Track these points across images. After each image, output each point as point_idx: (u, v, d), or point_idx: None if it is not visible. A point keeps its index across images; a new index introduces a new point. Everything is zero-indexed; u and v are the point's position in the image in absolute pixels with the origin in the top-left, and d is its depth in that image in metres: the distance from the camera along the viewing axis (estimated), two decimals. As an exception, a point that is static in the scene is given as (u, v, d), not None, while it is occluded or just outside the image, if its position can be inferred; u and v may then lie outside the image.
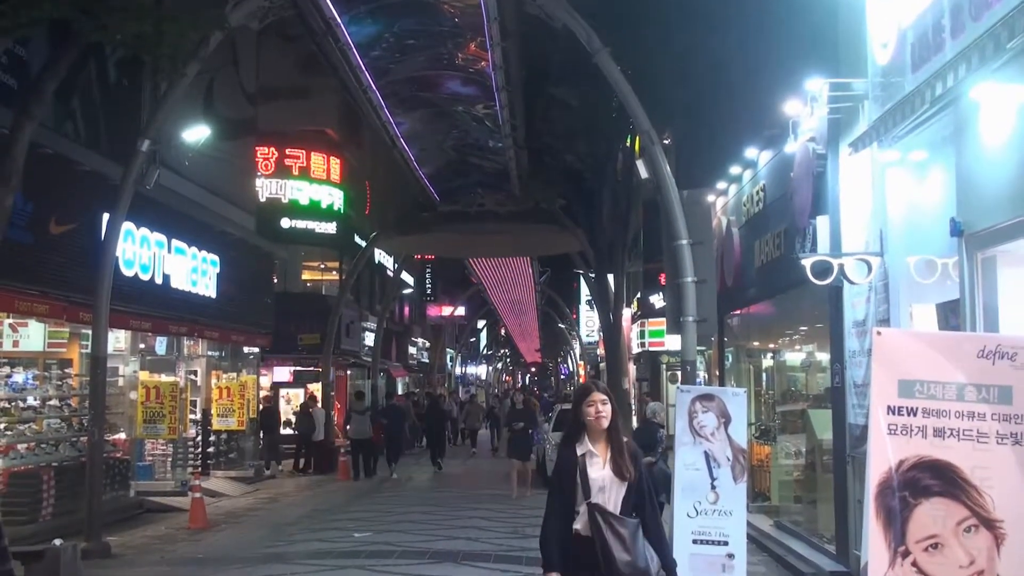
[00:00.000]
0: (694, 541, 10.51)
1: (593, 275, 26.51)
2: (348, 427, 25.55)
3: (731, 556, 10.48)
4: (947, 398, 4.79)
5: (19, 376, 15.99)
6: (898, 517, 4.77)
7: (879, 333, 5.10)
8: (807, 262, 10.33)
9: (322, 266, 36.77)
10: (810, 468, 14.65)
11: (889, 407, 4.86)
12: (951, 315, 9.00)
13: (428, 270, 51.43)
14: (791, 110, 12.09)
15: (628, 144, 22.22)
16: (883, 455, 4.83)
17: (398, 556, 13.38)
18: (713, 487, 10.62)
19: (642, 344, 31.66)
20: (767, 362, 18.17)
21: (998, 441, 4.74)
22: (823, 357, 14.25)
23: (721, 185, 17.03)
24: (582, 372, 61.94)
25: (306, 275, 36.67)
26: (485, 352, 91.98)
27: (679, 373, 33.12)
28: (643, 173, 13.54)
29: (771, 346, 17.91)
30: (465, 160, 27.36)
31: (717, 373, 18.93)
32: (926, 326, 9.22)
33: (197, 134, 19.50)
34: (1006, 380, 4.73)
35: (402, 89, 21.24)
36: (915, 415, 4.83)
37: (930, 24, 8.23)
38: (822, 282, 10.40)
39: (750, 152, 15.45)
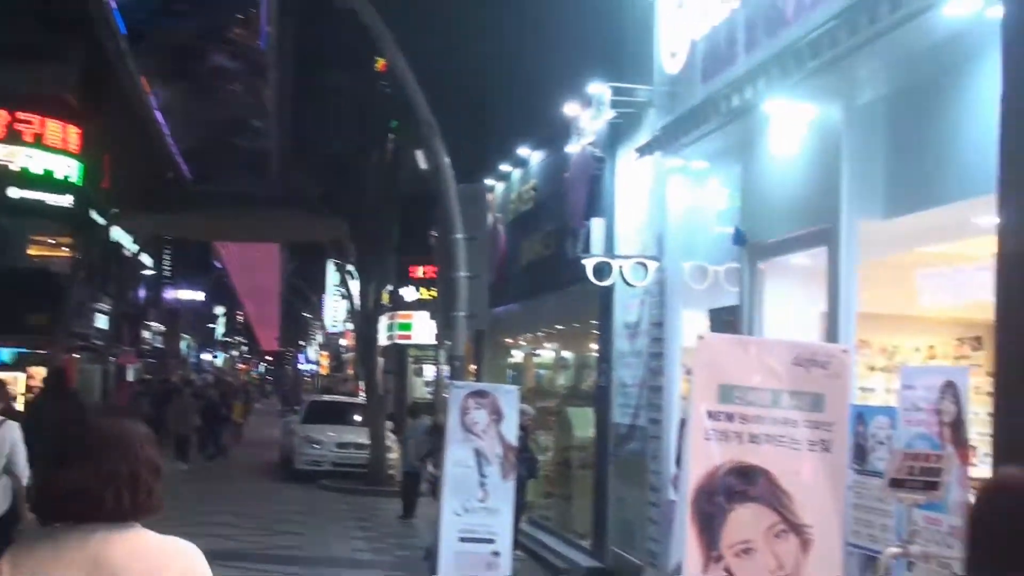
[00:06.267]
0: (461, 539, 10.40)
1: (352, 265, 26.00)
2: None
3: (497, 554, 10.47)
4: (763, 404, 4.85)
5: None
6: (713, 522, 4.78)
7: (701, 338, 5.10)
8: (588, 262, 10.44)
9: (52, 241, 34.19)
10: (565, 465, 14.90)
11: (709, 412, 4.86)
12: (723, 321, 9.32)
13: (167, 251, 48.97)
14: (571, 112, 12.20)
15: (396, 135, 21.92)
16: (701, 460, 4.83)
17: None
18: (482, 485, 10.56)
19: (391, 337, 31.49)
20: (527, 359, 18.41)
21: (809, 448, 4.84)
22: (585, 356, 14.54)
23: (490, 181, 17.08)
24: (324, 363, 60.96)
25: (33, 250, 33.96)
26: (222, 339, 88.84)
27: (425, 367, 33.10)
28: (422, 164, 13.29)
29: (531, 343, 18.14)
30: (225, 139, 26.15)
31: (475, 368, 18.96)
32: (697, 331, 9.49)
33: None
34: (819, 388, 4.84)
35: (162, 57, 19.97)
36: (733, 420, 4.85)
37: (723, 37, 8.46)
38: (601, 283, 10.53)
39: (523, 150, 15.55)
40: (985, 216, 6.03)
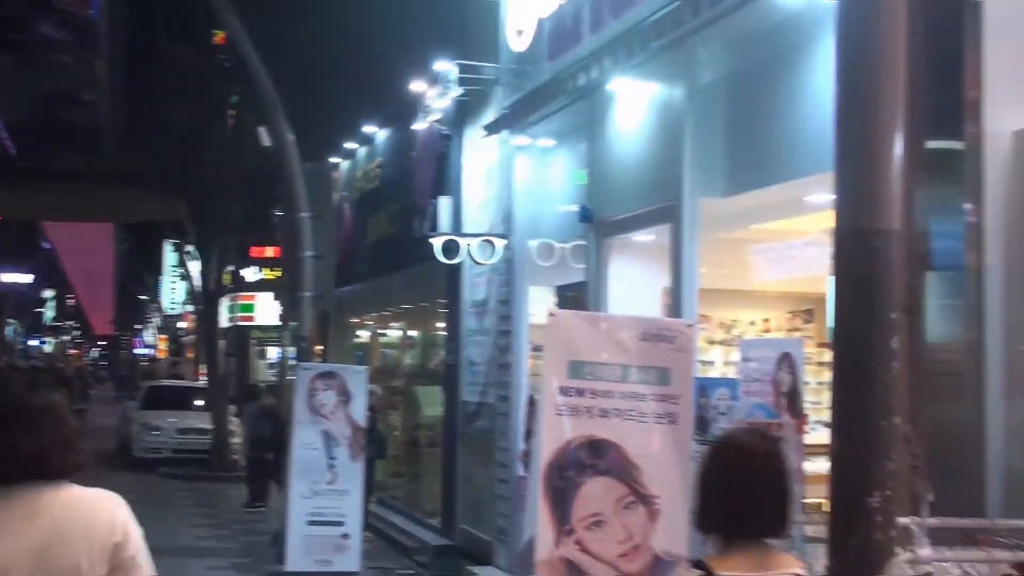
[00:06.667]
0: (310, 522, 10.28)
1: (192, 245, 25.20)
2: None
3: (346, 536, 10.38)
4: (613, 379, 4.93)
5: None
6: (565, 496, 4.84)
7: (553, 314, 5.15)
8: (436, 241, 10.41)
9: None
10: (413, 445, 14.90)
11: (560, 387, 4.91)
12: (570, 297, 9.46)
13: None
14: (417, 89, 12.12)
15: (237, 110, 21.32)
16: (552, 435, 4.88)
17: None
18: (331, 467, 10.45)
19: (233, 319, 30.78)
20: (374, 339, 18.28)
21: (656, 421, 4.95)
22: (433, 335, 14.53)
23: (335, 159, 16.83)
24: (162, 346, 59.02)
25: None
26: (52, 324, 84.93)
27: (269, 349, 32.43)
28: (264, 141, 12.96)
29: (378, 323, 18.02)
30: (54, 113, 24.85)
31: (321, 349, 18.71)
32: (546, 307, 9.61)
33: None
34: (665, 362, 4.95)
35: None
36: (583, 395, 4.92)
37: (569, 15, 8.54)
38: (448, 261, 10.53)
39: (368, 128, 15.38)
40: (817, 194, 6.31)
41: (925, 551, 2.91)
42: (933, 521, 3.39)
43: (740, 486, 2.78)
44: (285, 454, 10.71)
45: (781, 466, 2.84)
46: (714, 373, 9.12)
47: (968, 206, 4.80)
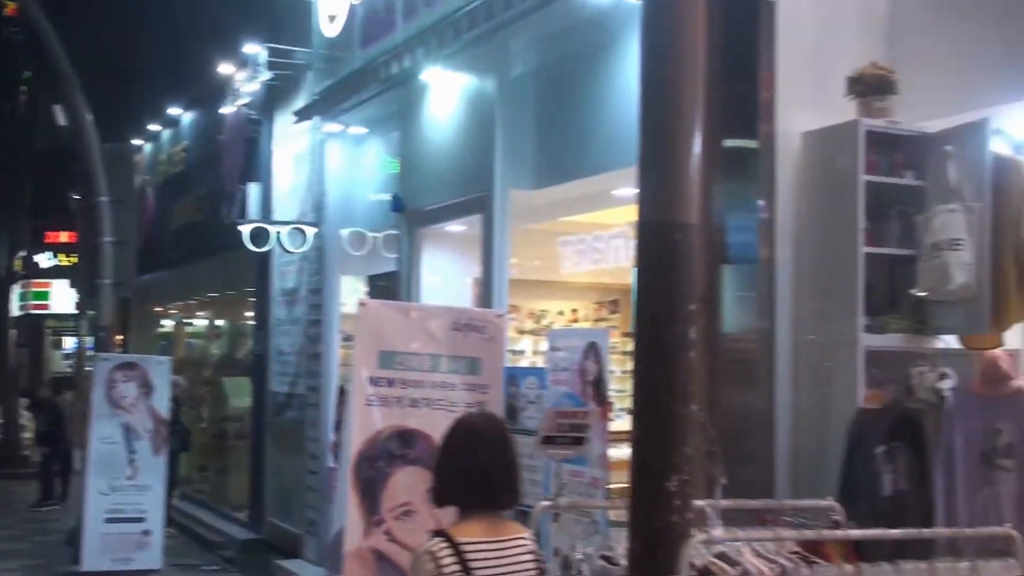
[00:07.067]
0: (108, 520, 9.89)
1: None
2: None
3: (148, 533, 10.03)
4: (423, 369, 4.95)
5: None
6: (374, 486, 4.83)
7: (363, 304, 5.11)
8: (245, 228, 10.15)
9: None
10: (220, 437, 14.51)
11: (370, 378, 4.89)
12: (382, 287, 9.42)
13: None
14: (225, 71, 11.78)
15: (29, 87, 20.20)
16: (362, 426, 4.86)
17: None
18: (131, 461, 10.08)
19: (24, 307, 29.19)
20: (179, 328, 17.68)
21: (466, 410, 4.99)
22: (241, 324, 14.18)
23: (137, 141, 16.16)
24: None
25: None
26: None
27: (65, 339, 30.85)
28: (60, 120, 12.29)
29: (184, 312, 17.44)
30: None
31: (121, 339, 17.96)
32: (358, 297, 9.53)
33: None
34: (476, 352, 5.01)
35: None
36: (393, 386, 4.91)
37: (382, 3, 8.46)
38: (257, 249, 10.29)
39: (174, 109, 14.83)
40: (623, 188, 6.50)
41: (718, 532, 3.04)
42: (726, 503, 3.55)
43: (473, 464, 3.14)
44: (64, 448, 10.25)
45: (509, 445, 3.23)
46: (524, 362, 9.28)
47: (761, 202, 5.05)
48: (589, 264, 8.72)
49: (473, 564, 3.03)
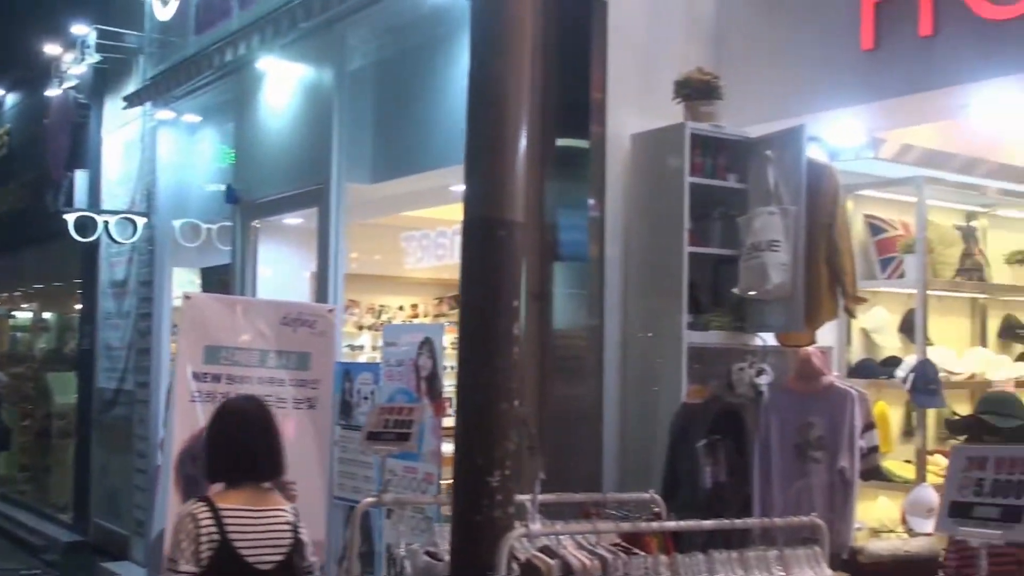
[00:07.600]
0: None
1: None
2: None
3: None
4: (250, 364, 4.84)
5: None
6: (198, 485, 4.68)
7: (188, 297, 4.95)
8: (70, 217, 9.73)
9: None
10: (44, 435, 13.90)
11: (195, 373, 4.75)
12: (216, 280, 9.17)
13: None
14: (51, 52, 11.24)
15: None
16: (186, 423, 4.71)
17: None
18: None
19: None
20: (2, 320, 16.85)
21: (295, 406, 4.92)
22: (68, 317, 13.61)
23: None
24: None
25: None
26: None
27: None
28: None
29: (5, 303, 16.65)
30: None
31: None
32: (191, 289, 9.26)
33: None
34: (305, 347, 4.92)
35: None
36: (219, 381, 4.79)
37: (218, -12, 8.24)
38: (84, 239, 9.88)
39: (-5, 91, 14.10)
40: (462, 184, 6.50)
41: (536, 526, 3.07)
42: (551, 497, 3.60)
43: (236, 441, 3.57)
44: None
45: (270, 424, 3.67)
46: (363, 358, 9.20)
47: (592, 201, 5.13)
48: (432, 260, 8.69)
49: (229, 528, 3.42)
